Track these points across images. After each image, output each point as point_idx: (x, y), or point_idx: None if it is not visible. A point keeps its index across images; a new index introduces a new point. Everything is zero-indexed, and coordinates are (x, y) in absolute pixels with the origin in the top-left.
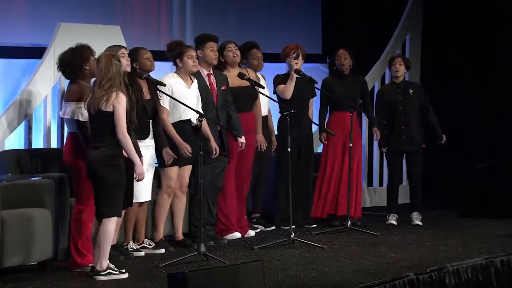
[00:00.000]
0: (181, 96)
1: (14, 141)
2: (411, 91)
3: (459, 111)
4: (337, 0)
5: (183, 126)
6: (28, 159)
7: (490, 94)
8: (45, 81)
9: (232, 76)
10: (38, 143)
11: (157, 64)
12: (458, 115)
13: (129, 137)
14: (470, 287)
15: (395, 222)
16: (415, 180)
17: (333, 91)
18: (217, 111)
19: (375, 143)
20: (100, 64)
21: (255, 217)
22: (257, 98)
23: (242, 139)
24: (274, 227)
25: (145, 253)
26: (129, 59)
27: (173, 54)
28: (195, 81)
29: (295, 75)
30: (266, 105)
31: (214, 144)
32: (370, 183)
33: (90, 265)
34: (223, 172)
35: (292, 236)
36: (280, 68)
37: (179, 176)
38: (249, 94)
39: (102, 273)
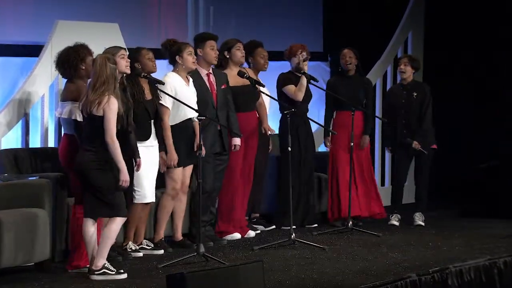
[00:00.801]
0: (184, 95)
1: (11, 140)
2: (415, 94)
3: (460, 111)
4: None
5: (186, 124)
6: (25, 159)
7: (490, 94)
8: (43, 79)
9: (234, 75)
10: (35, 142)
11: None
12: (459, 115)
13: (117, 142)
14: None
15: (397, 223)
16: (423, 182)
17: (338, 92)
18: (216, 111)
19: (376, 143)
20: (95, 66)
21: (255, 217)
22: (260, 96)
23: (237, 141)
24: (274, 227)
25: (143, 254)
26: (129, 60)
27: (171, 51)
28: (191, 79)
29: (305, 79)
30: (267, 104)
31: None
32: (382, 183)
33: (87, 266)
34: (223, 172)
35: (292, 236)
36: (282, 67)
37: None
38: (252, 93)
39: (96, 272)
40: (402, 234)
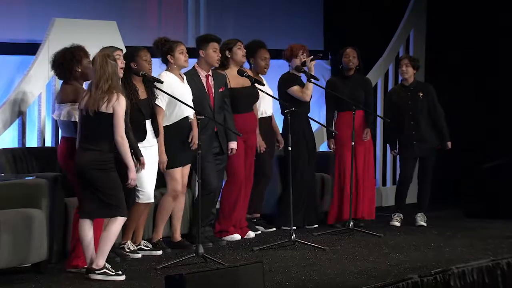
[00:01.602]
0: (180, 93)
1: (8, 140)
2: (421, 94)
3: (462, 109)
4: None
5: (181, 124)
6: (22, 158)
7: (493, 92)
8: (39, 78)
9: (235, 75)
10: (32, 141)
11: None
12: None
13: (127, 140)
14: None
15: (398, 224)
16: (426, 183)
17: (339, 92)
18: (213, 113)
19: (378, 143)
20: (95, 65)
21: (255, 218)
22: (258, 99)
23: (233, 145)
24: (274, 229)
25: (142, 255)
26: (124, 62)
27: (163, 50)
28: (185, 77)
29: (312, 80)
30: (271, 104)
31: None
32: (384, 183)
33: (85, 266)
34: (223, 172)
35: (293, 237)
36: (282, 66)
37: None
38: (251, 95)
39: (97, 272)
40: (404, 234)
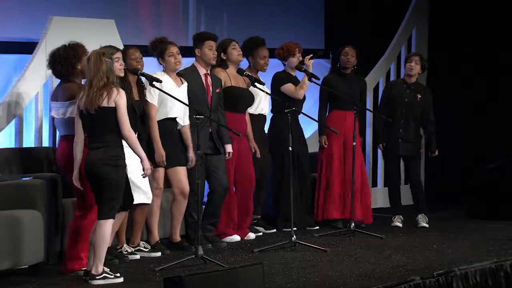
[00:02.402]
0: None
1: (4, 140)
2: (419, 96)
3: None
4: None
5: (167, 124)
6: (18, 159)
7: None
8: (37, 77)
9: (235, 74)
10: (29, 141)
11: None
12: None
13: (133, 132)
14: None
15: (400, 224)
16: (416, 185)
17: (335, 90)
18: (210, 113)
19: (367, 143)
20: (89, 63)
21: (255, 219)
22: (253, 102)
23: (229, 148)
24: (275, 230)
25: (140, 257)
26: (123, 63)
27: (155, 53)
28: (185, 83)
29: (313, 79)
30: (268, 104)
31: (191, 154)
32: (374, 184)
33: (83, 269)
34: (224, 172)
35: (293, 238)
36: (281, 65)
37: (177, 180)
38: (249, 97)
39: (97, 277)
40: (406, 236)
